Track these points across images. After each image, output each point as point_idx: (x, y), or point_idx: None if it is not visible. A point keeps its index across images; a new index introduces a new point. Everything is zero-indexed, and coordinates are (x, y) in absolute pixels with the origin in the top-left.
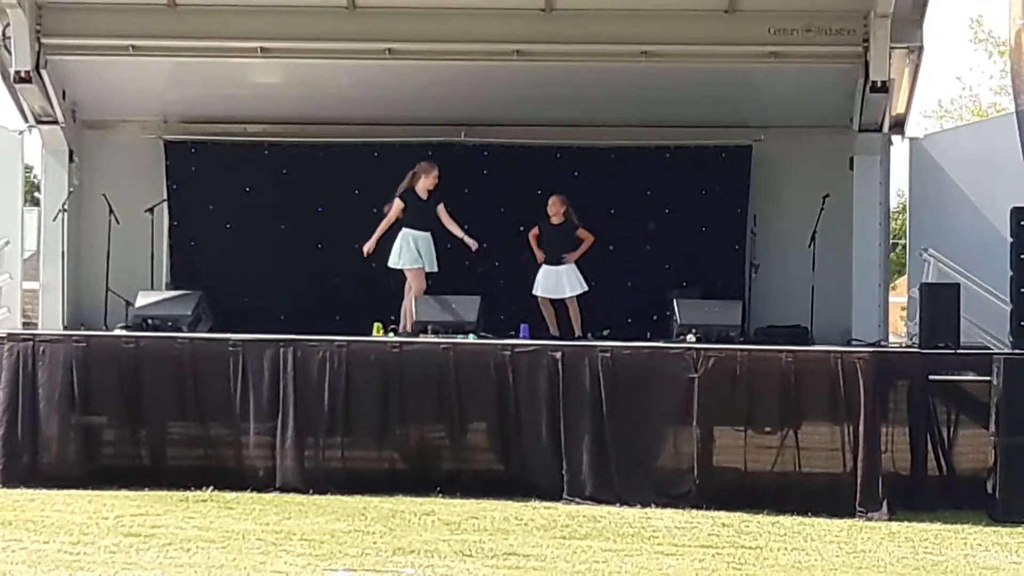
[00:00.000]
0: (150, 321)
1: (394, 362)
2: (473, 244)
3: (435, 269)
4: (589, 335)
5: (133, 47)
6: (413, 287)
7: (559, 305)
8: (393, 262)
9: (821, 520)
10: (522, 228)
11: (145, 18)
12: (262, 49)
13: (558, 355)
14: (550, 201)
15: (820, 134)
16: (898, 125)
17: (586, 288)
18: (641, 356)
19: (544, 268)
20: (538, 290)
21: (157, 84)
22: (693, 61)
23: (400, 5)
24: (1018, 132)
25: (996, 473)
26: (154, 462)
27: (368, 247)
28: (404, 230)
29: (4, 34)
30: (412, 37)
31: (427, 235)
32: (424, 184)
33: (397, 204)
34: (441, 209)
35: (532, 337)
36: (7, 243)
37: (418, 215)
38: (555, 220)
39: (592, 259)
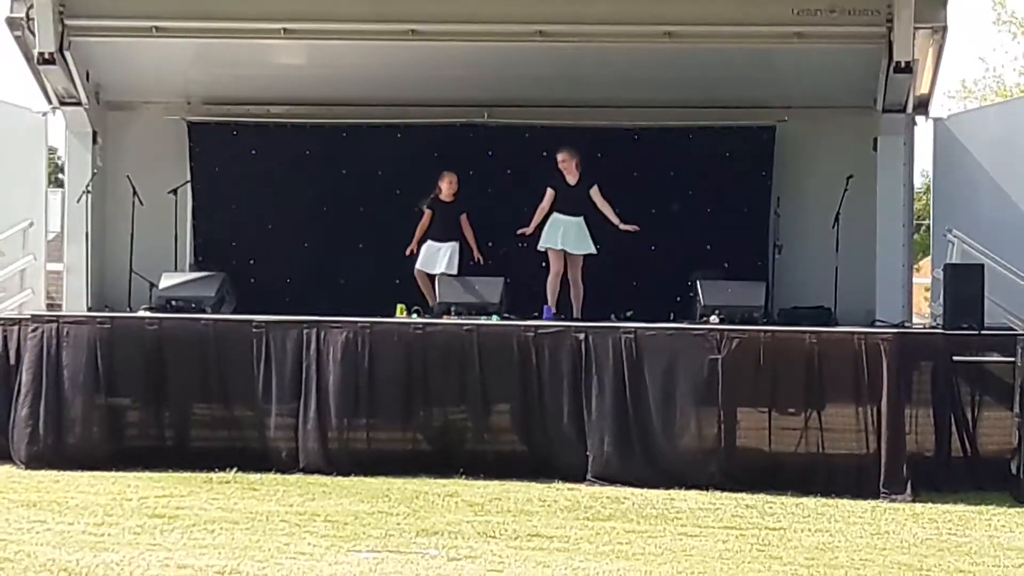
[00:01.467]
0: (174, 302)
1: (417, 343)
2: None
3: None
4: (613, 316)
5: (156, 28)
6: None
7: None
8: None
9: (845, 501)
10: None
11: None
12: (285, 30)
13: (581, 336)
14: (562, 158)
15: (844, 115)
16: (922, 105)
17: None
18: (664, 337)
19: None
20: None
21: (180, 65)
22: (717, 42)
23: None
24: None
25: (1020, 454)
26: (178, 443)
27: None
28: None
29: (28, 16)
30: (435, 18)
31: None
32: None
33: (427, 213)
34: (464, 219)
35: (554, 316)
36: (31, 224)
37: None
38: (572, 180)
39: (615, 240)
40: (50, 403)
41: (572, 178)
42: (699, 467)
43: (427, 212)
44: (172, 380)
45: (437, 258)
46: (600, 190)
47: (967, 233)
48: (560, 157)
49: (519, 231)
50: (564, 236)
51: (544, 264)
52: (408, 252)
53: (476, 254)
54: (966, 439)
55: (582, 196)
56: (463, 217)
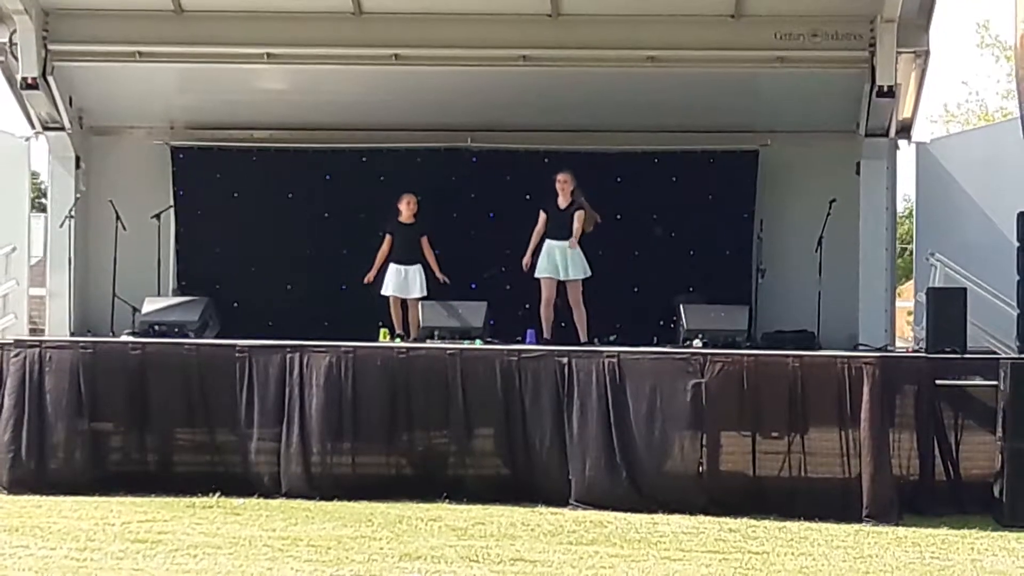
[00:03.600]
0: (157, 327)
1: (401, 368)
2: (442, 278)
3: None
4: (595, 340)
5: (140, 53)
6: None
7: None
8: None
9: (828, 525)
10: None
11: (152, 24)
12: (268, 55)
13: (565, 360)
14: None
15: (827, 139)
16: (905, 130)
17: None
18: (648, 361)
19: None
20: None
21: (164, 90)
22: (699, 66)
23: (406, 10)
24: (1022, 135)
25: (1003, 478)
26: (161, 468)
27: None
28: (547, 242)
29: (11, 41)
30: (418, 43)
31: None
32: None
33: (387, 239)
34: (424, 241)
35: (539, 340)
36: (14, 249)
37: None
38: (563, 202)
39: (599, 264)
40: (32, 428)
41: (564, 200)
42: (682, 491)
43: (387, 237)
44: (155, 405)
45: (407, 282)
46: (583, 216)
47: (950, 257)
48: (562, 177)
49: (524, 265)
50: (554, 263)
51: (528, 288)
52: (367, 280)
53: (439, 275)
54: (949, 463)
55: (568, 218)
56: (424, 239)
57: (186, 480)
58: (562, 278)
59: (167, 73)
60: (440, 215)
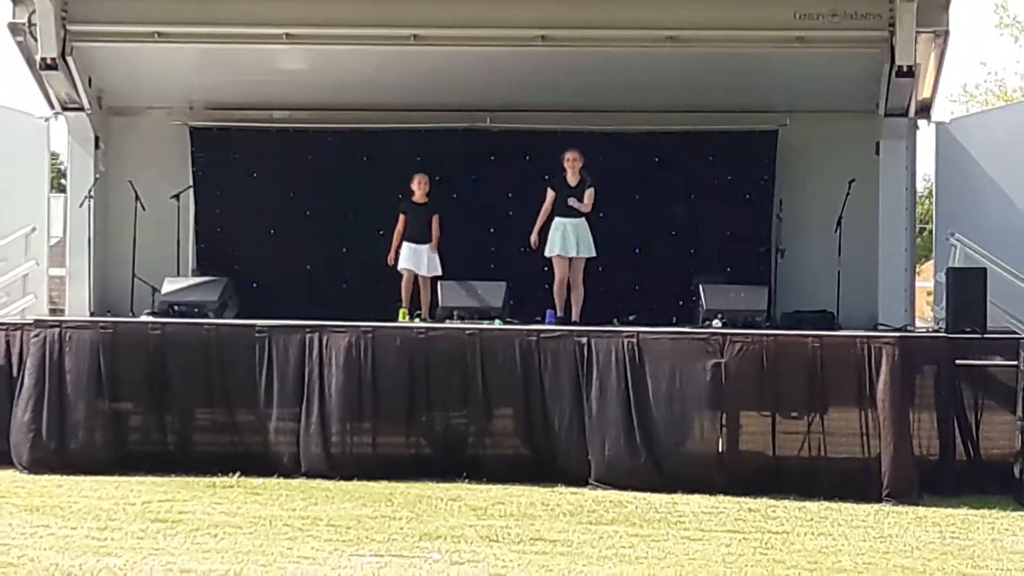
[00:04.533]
0: (176, 307)
1: (420, 348)
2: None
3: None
4: (615, 320)
5: (159, 34)
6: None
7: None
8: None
9: (848, 505)
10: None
11: (171, 5)
12: (287, 35)
13: (584, 340)
14: (572, 157)
15: (846, 119)
16: (924, 109)
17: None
18: (667, 341)
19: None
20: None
21: (183, 71)
22: (719, 46)
23: None
24: None
25: (1023, 457)
26: (181, 448)
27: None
28: (556, 219)
29: (30, 21)
30: (437, 23)
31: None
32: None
33: (401, 218)
34: (435, 220)
35: (558, 320)
36: (34, 230)
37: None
38: (572, 180)
39: (618, 244)
40: (53, 408)
41: (574, 178)
42: (702, 471)
43: (401, 217)
44: (175, 385)
45: (421, 259)
46: (593, 195)
47: (969, 237)
48: (571, 156)
49: (531, 243)
50: (568, 241)
51: (547, 268)
52: (390, 262)
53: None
54: (969, 443)
55: (580, 196)
56: (435, 218)
57: (206, 460)
58: (574, 255)
59: (186, 53)
60: (459, 195)
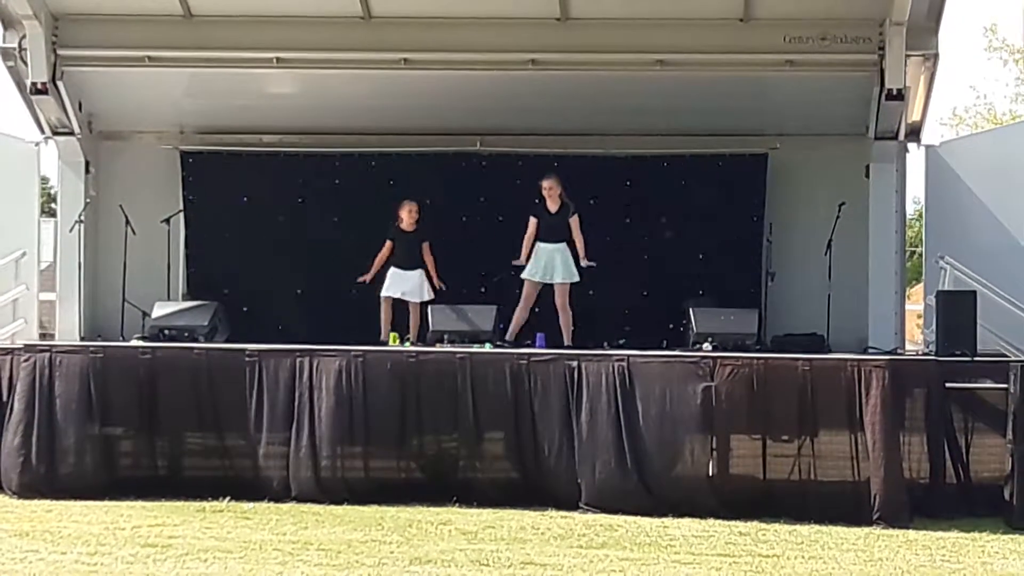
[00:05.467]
0: (167, 331)
1: (410, 372)
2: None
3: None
4: (605, 344)
5: (149, 58)
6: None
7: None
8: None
9: (839, 528)
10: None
11: (161, 29)
12: (278, 59)
13: (574, 364)
14: (548, 185)
15: (836, 142)
16: (914, 133)
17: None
18: (657, 365)
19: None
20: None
21: (173, 95)
22: (708, 70)
23: (415, 15)
24: None
25: (1013, 480)
26: (171, 472)
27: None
28: (538, 245)
29: (20, 46)
30: (427, 47)
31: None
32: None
33: (388, 244)
34: (426, 247)
35: (547, 344)
36: (24, 254)
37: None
38: (552, 207)
39: (609, 268)
40: (43, 432)
41: (553, 205)
42: (692, 494)
43: (388, 243)
44: (165, 409)
45: (411, 287)
46: (579, 220)
47: (959, 260)
48: (547, 184)
49: (514, 262)
50: (548, 267)
51: (539, 292)
52: (363, 280)
53: (437, 282)
54: (959, 466)
55: (563, 223)
56: (425, 245)
57: (196, 484)
58: (551, 281)
59: (177, 78)
60: (449, 219)
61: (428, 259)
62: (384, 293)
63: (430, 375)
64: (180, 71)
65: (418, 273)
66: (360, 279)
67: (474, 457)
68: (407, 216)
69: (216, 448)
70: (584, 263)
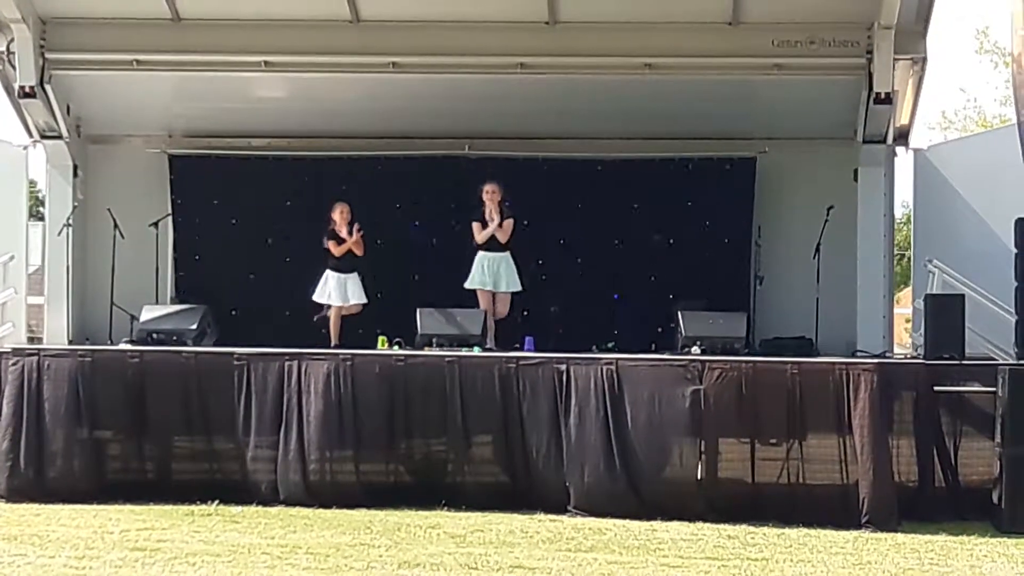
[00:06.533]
0: (155, 335)
1: (399, 375)
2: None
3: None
4: (594, 347)
5: (137, 62)
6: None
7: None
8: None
9: (827, 532)
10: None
11: (149, 33)
12: (266, 63)
13: (563, 367)
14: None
15: (824, 146)
16: (902, 136)
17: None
18: (646, 368)
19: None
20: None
21: (161, 98)
22: (697, 73)
23: (404, 18)
24: (1019, 143)
25: (1002, 484)
26: (159, 476)
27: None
28: (480, 254)
29: (8, 49)
30: (416, 50)
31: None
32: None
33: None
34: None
35: (537, 349)
36: (12, 258)
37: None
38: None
39: (597, 271)
40: (31, 436)
41: (495, 213)
42: (681, 498)
43: (332, 245)
44: (153, 413)
45: (348, 290)
46: (512, 225)
47: (948, 263)
48: (489, 188)
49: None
50: (491, 275)
51: (528, 295)
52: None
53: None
54: (947, 469)
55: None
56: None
57: (184, 488)
58: (495, 290)
59: (165, 81)
60: (438, 222)
61: (358, 250)
62: (325, 300)
63: (418, 379)
64: (168, 75)
65: (354, 276)
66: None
67: (463, 461)
68: (339, 218)
69: (204, 452)
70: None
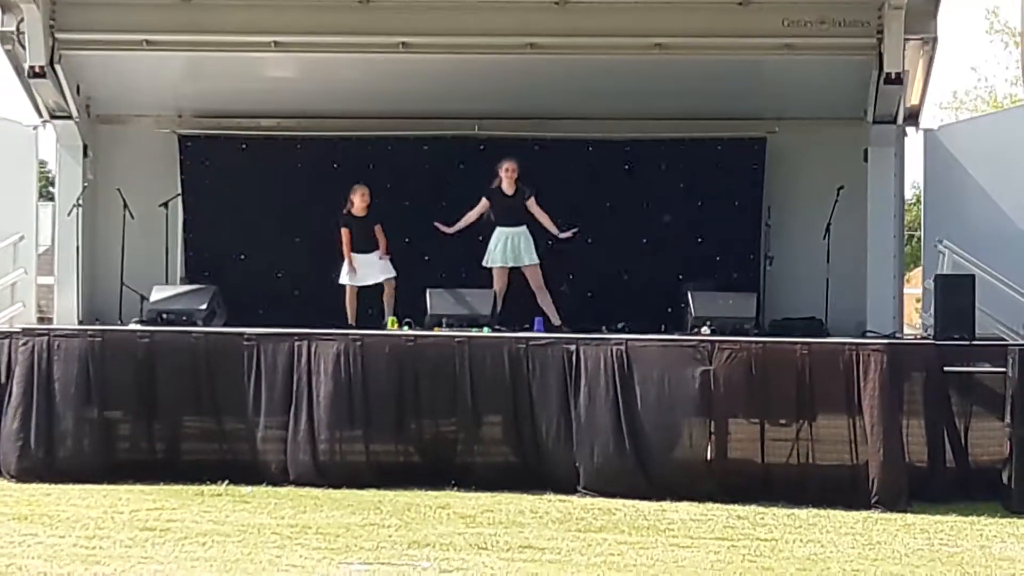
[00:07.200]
0: (165, 315)
1: (409, 355)
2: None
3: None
4: (604, 327)
5: (147, 42)
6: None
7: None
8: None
9: (837, 512)
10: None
11: (159, 13)
12: (276, 43)
13: (572, 348)
14: (509, 167)
15: (834, 126)
16: (912, 117)
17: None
18: (656, 349)
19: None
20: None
21: (171, 79)
22: (707, 53)
23: None
24: None
25: (1011, 464)
26: (169, 456)
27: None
28: (497, 229)
29: (19, 29)
30: (425, 31)
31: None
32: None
33: (344, 232)
34: (379, 229)
35: (544, 328)
36: (22, 238)
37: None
38: (508, 189)
39: (606, 252)
40: (41, 416)
41: (510, 188)
42: (691, 478)
43: (344, 231)
44: (163, 393)
45: (373, 268)
46: (536, 199)
47: (958, 244)
48: (508, 165)
49: (436, 223)
50: (510, 251)
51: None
52: (345, 280)
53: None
54: (957, 450)
55: (519, 206)
56: (378, 228)
57: (194, 468)
58: (517, 264)
59: (174, 61)
60: (448, 202)
61: (381, 239)
62: (349, 281)
63: (428, 359)
64: (178, 55)
65: (376, 254)
66: (345, 280)
67: (472, 441)
68: (359, 200)
69: (214, 432)
70: (564, 235)
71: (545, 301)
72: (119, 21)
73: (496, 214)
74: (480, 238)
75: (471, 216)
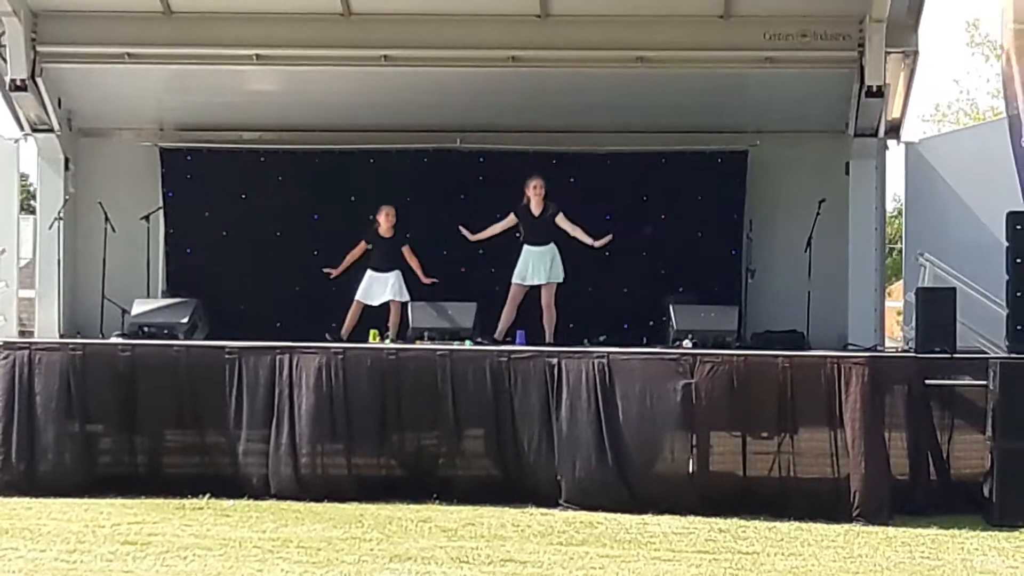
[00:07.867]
0: (146, 329)
1: (391, 369)
2: (429, 282)
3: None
4: (586, 341)
5: (129, 55)
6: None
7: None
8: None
9: (818, 525)
10: (518, 235)
11: (141, 26)
12: (258, 56)
13: (554, 361)
14: (536, 184)
15: (816, 139)
16: (894, 129)
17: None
18: (637, 362)
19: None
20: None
21: (153, 92)
22: (689, 66)
23: (395, 12)
24: (1009, 137)
25: (993, 477)
26: (151, 470)
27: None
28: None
29: (0, 42)
30: (408, 44)
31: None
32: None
33: (362, 244)
34: (407, 249)
35: (528, 343)
36: (3, 251)
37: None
38: (536, 208)
39: (589, 264)
40: (22, 430)
41: (538, 207)
42: (672, 491)
43: (363, 243)
44: (144, 407)
45: (384, 288)
46: (565, 215)
47: (939, 257)
48: (535, 183)
49: (460, 227)
50: (535, 269)
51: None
52: (329, 272)
53: (425, 279)
54: (939, 463)
55: (548, 225)
56: (406, 249)
57: (176, 482)
58: (539, 281)
59: (156, 75)
60: (429, 216)
61: (413, 261)
62: (361, 298)
63: (410, 372)
64: (160, 68)
65: (395, 274)
66: (326, 270)
67: (454, 454)
68: (385, 221)
69: (196, 445)
70: (599, 243)
71: (549, 320)
72: (101, 34)
73: (524, 233)
74: (462, 251)
75: (496, 228)
